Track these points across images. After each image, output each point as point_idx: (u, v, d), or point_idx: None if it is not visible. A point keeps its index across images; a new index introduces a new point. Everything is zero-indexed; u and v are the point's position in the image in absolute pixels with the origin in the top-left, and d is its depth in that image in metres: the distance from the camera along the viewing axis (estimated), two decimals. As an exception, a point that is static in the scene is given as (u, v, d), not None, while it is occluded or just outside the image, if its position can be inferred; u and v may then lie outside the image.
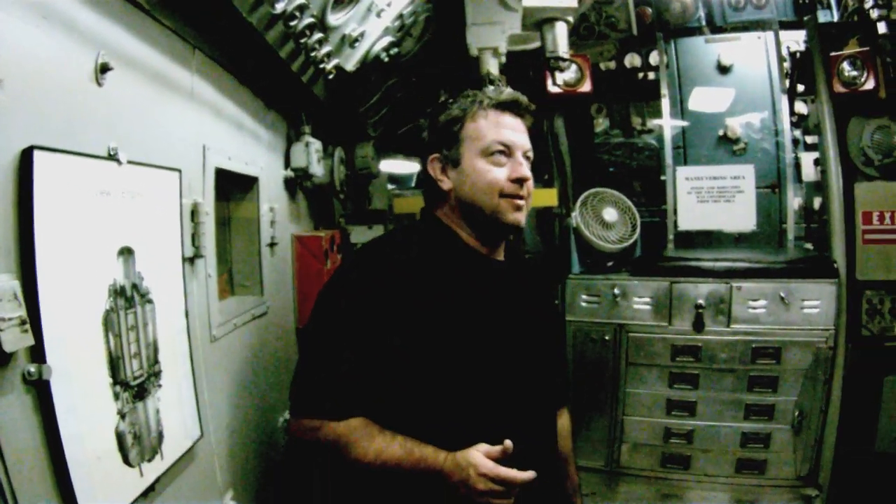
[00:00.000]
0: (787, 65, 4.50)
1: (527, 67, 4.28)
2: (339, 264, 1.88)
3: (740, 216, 4.38)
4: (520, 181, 1.81)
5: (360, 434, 1.67)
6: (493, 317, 1.82)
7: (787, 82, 4.48)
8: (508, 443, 1.59)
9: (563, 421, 2.26)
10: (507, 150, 1.83)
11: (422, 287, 1.75)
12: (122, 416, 1.59)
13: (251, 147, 2.69)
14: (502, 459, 1.59)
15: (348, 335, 1.70)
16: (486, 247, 1.90)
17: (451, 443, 1.65)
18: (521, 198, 1.83)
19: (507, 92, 1.90)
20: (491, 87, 1.93)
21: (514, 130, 1.86)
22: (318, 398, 1.71)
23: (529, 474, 1.59)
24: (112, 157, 1.60)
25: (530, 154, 1.89)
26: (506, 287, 1.91)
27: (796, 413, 3.75)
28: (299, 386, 1.77)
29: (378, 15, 2.85)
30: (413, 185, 5.31)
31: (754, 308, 3.78)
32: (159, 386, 1.79)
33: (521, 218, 1.84)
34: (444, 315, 1.74)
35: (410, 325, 1.70)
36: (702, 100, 4.72)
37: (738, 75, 4.67)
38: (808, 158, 4.48)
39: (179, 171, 1.98)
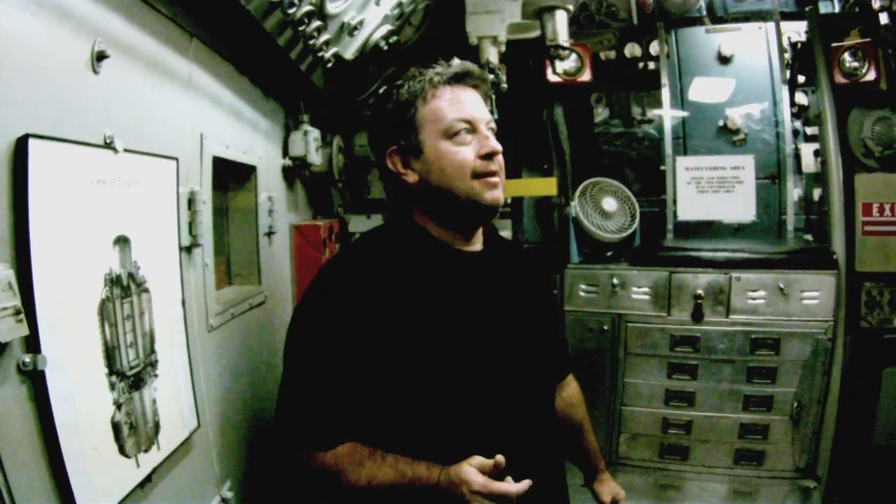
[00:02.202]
0: (787, 55, 4.48)
1: (526, 56, 4.27)
2: (314, 276, 1.80)
3: (740, 207, 4.38)
4: (490, 155, 1.71)
5: (350, 461, 1.62)
6: (469, 312, 1.73)
7: (788, 73, 4.47)
8: (500, 458, 1.52)
9: (571, 389, 2.24)
10: (471, 126, 1.72)
11: (391, 291, 1.67)
12: (118, 406, 1.58)
13: (249, 135, 2.68)
14: (496, 473, 1.54)
15: (322, 356, 1.65)
16: (459, 237, 1.80)
17: (442, 447, 1.61)
18: (493, 174, 1.72)
19: (456, 63, 1.79)
20: (435, 65, 1.80)
21: (472, 103, 1.76)
22: (301, 431, 1.67)
23: (524, 484, 1.53)
24: (108, 145, 1.59)
25: (493, 125, 1.78)
26: (482, 277, 1.81)
27: (795, 404, 3.75)
28: (282, 418, 1.73)
29: (377, 3, 2.84)
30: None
31: (753, 299, 3.78)
32: (155, 376, 1.79)
33: (498, 196, 1.73)
34: (415, 317, 1.67)
35: (383, 333, 1.63)
36: (702, 90, 4.70)
37: (739, 66, 4.65)
38: (808, 149, 4.46)
39: (176, 159, 1.97)
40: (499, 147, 1.73)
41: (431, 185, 1.73)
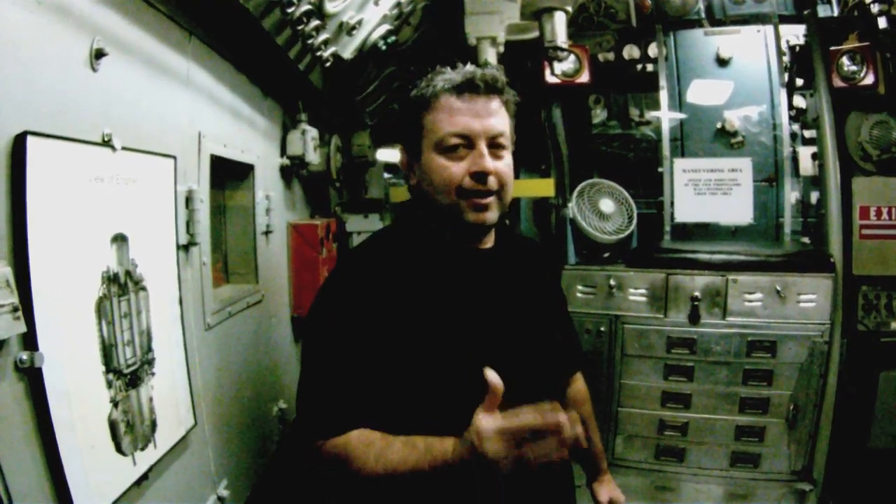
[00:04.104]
0: (786, 59, 4.48)
1: (525, 57, 4.27)
2: (328, 275, 1.80)
3: (737, 209, 4.38)
4: (481, 175, 1.62)
5: (359, 442, 1.57)
6: (477, 307, 1.71)
7: (786, 76, 4.47)
8: (491, 375, 1.41)
9: (578, 386, 2.23)
10: (467, 141, 1.63)
11: (404, 287, 1.66)
12: (115, 404, 1.58)
13: (247, 134, 2.68)
14: (501, 405, 1.42)
15: (339, 349, 1.63)
16: (465, 240, 1.77)
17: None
18: (482, 195, 1.63)
19: (465, 71, 1.68)
20: (450, 69, 1.72)
21: (474, 115, 1.63)
22: (315, 421, 1.63)
23: (555, 417, 1.36)
24: (106, 143, 1.59)
25: (501, 139, 1.67)
26: (492, 273, 1.78)
27: (791, 407, 3.75)
28: (301, 410, 1.70)
29: (376, 3, 2.84)
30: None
31: (750, 301, 3.78)
32: (152, 374, 1.79)
33: (485, 217, 1.66)
34: (425, 312, 1.65)
35: (395, 328, 1.61)
36: (700, 92, 4.70)
37: (737, 68, 4.65)
38: (805, 153, 4.47)
39: (174, 157, 1.97)
40: (490, 167, 1.63)
41: (424, 192, 1.71)
